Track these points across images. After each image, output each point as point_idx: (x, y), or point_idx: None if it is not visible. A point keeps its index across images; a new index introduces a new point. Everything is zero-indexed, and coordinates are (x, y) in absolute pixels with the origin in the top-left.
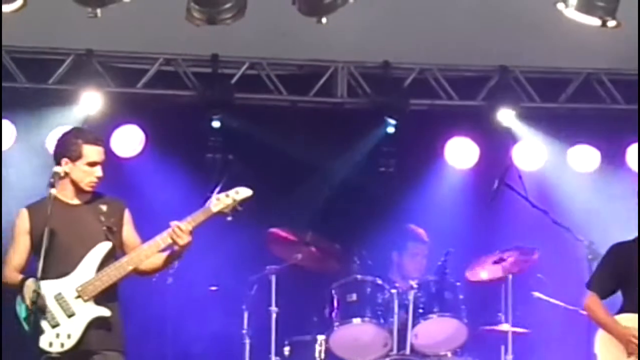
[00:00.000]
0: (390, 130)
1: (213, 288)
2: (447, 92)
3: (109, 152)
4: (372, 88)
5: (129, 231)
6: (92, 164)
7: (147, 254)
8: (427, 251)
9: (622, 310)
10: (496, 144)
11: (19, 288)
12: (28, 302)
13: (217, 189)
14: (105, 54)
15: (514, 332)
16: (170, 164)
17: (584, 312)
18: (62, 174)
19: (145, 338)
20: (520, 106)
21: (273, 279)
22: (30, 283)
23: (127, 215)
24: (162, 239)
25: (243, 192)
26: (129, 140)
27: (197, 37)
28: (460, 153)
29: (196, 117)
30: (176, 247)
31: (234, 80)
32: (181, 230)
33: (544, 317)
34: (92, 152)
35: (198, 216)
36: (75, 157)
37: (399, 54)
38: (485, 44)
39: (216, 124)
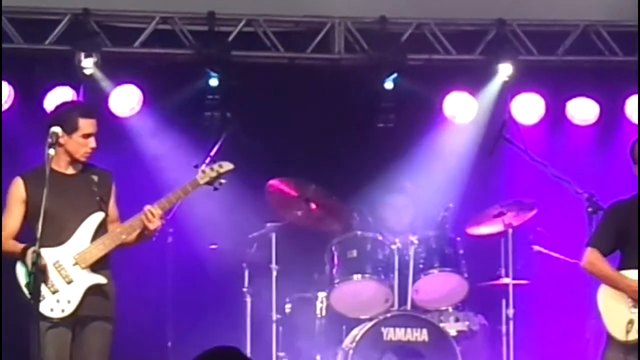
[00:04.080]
0: (389, 85)
1: (213, 246)
2: (444, 47)
3: (107, 112)
4: (370, 44)
5: (112, 204)
6: (86, 136)
7: (139, 224)
8: (409, 201)
9: (621, 267)
10: (495, 98)
11: (20, 255)
12: (30, 266)
13: (216, 147)
14: (101, 14)
15: (514, 286)
16: (168, 123)
17: (585, 269)
18: (61, 134)
19: (145, 297)
20: (518, 59)
21: (273, 236)
22: (34, 249)
23: (114, 188)
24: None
25: (226, 166)
26: (126, 100)
27: None
28: (459, 107)
29: (193, 76)
30: (146, 232)
31: (230, 38)
32: (152, 215)
33: (545, 271)
34: (87, 124)
35: (186, 188)
36: (71, 130)
37: (396, 9)
38: None
39: (213, 81)
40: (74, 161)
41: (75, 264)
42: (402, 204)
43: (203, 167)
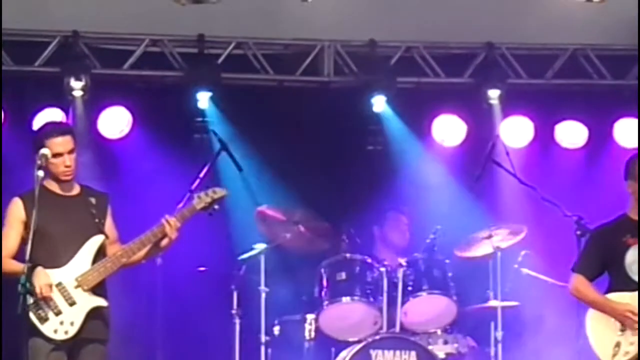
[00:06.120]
0: (378, 108)
1: (202, 269)
2: (433, 70)
3: (96, 134)
4: (359, 66)
5: (109, 225)
6: (56, 155)
7: (140, 247)
8: (408, 221)
9: (609, 290)
10: (483, 121)
11: (22, 275)
12: (19, 287)
13: (205, 169)
14: (91, 36)
15: (503, 309)
16: (157, 145)
17: (572, 294)
18: (49, 156)
19: (134, 319)
20: (507, 83)
21: (262, 258)
22: (40, 270)
23: (109, 209)
24: (153, 234)
25: (220, 192)
26: (116, 122)
27: (183, 17)
28: (448, 130)
29: (183, 98)
30: (163, 243)
31: (220, 61)
32: (170, 225)
33: (533, 293)
34: (54, 144)
35: (184, 213)
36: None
37: (385, 32)
38: (472, 20)
39: (203, 104)
40: (62, 182)
41: (78, 286)
42: (403, 221)
43: (198, 192)
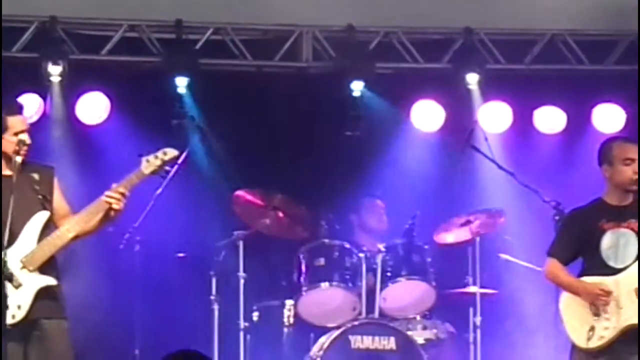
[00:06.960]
0: (356, 94)
1: (180, 255)
2: (412, 55)
3: (74, 120)
4: (337, 52)
5: (58, 198)
6: (18, 133)
7: (87, 219)
8: (384, 204)
9: (582, 274)
10: (462, 107)
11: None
12: None
13: (183, 155)
14: (68, 21)
15: (482, 294)
16: (136, 131)
17: (547, 278)
18: (28, 142)
19: (113, 305)
20: (486, 68)
21: (241, 244)
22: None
23: (56, 182)
24: (101, 204)
25: (170, 152)
26: (94, 108)
27: (161, 3)
28: (426, 116)
29: (161, 84)
30: (112, 213)
31: (198, 46)
32: (114, 196)
33: (512, 279)
34: (16, 122)
35: (132, 179)
36: (1, 130)
37: (364, 18)
38: (450, 6)
39: (181, 90)
40: (10, 161)
41: (23, 267)
42: (379, 205)
43: (147, 156)
